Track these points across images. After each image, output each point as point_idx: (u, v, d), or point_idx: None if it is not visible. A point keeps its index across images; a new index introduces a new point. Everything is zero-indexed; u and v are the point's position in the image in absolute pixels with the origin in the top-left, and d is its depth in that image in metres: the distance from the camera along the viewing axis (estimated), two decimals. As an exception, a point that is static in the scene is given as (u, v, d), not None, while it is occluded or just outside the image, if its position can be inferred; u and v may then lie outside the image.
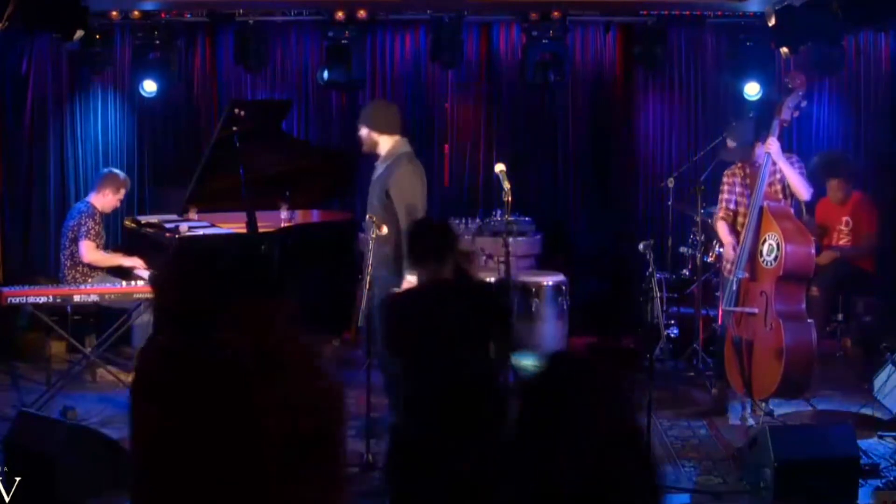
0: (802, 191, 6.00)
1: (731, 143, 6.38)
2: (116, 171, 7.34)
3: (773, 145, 5.93)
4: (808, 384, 6.00)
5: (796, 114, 6.11)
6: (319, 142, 8.38)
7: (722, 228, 6.26)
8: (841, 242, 7.29)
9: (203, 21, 8.24)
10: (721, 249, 6.41)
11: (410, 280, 5.46)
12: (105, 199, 7.10)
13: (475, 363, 3.91)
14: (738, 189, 6.22)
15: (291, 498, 2.53)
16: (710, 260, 6.98)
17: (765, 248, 5.89)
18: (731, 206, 6.24)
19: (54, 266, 7.29)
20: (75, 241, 6.92)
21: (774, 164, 5.98)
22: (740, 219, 6.18)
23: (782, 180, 6.03)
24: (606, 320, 7.99)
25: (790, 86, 6.08)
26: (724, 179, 6.33)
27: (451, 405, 3.80)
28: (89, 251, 6.90)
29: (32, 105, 8.22)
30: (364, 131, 5.71)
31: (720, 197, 6.33)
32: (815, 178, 6.65)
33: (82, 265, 6.93)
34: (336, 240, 7.34)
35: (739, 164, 6.25)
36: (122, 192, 7.17)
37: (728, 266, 6.15)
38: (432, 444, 3.77)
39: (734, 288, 5.98)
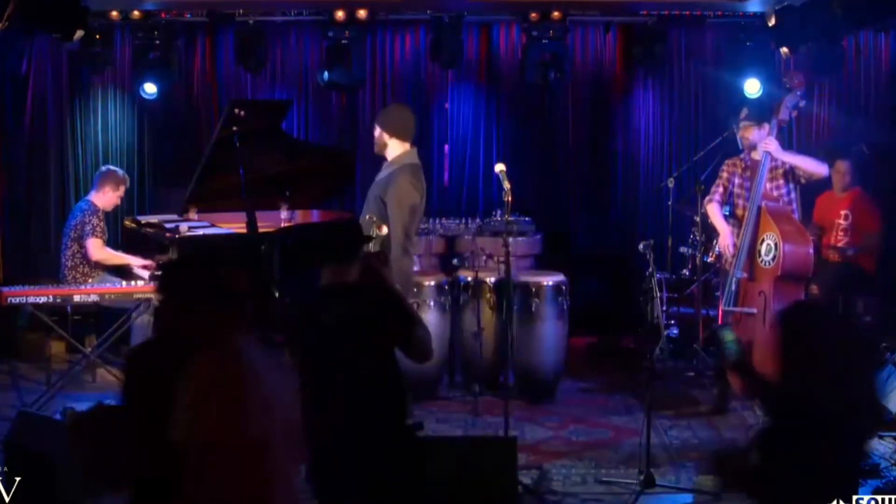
0: (817, 169, 6.05)
1: (742, 115, 6.26)
2: (115, 168, 7.34)
3: (771, 144, 5.94)
4: None
5: (794, 114, 6.13)
6: (319, 142, 8.38)
7: (713, 211, 6.25)
8: (840, 242, 7.26)
9: (203, 21, 8.25)
10: (719, 248, 6.40)
11: None
12: (105, 198, 7.10)
13: (370, 367, 3.81)
14: (736, 181, 6.24)
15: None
16: (710, 260, 6.98)
17: (763, 249, 5.90)
18: (729, 198, 6.25)
19: (54, 266, 7.29)
20: (78, 240, 6.92)
21: (774, 160, 5.99)
22: (739, 211, 6.19)
23: (788, 172, 6.03)
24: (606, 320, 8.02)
25: (788, 86, 6.09)
26: (724, 168, 6.34)
27: (347, 408, 3.77)
28: (97, 249, 6.90)
29: (32, 105, 8.23)
30: (377, 131, 5.70)
31: (717, 181, 6.33)
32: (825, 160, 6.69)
33: (84, 265, 6.92)
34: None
35: (740, 157, 6.25)
36: (122, 189, 7.17)
37: (728, 258, 6.13)
38: (339, 445, 3.75)
39: (733, 288, 5.98)
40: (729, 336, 3.91)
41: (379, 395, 3.82)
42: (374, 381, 3.81)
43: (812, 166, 6.03)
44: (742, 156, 6.27)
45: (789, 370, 3.28)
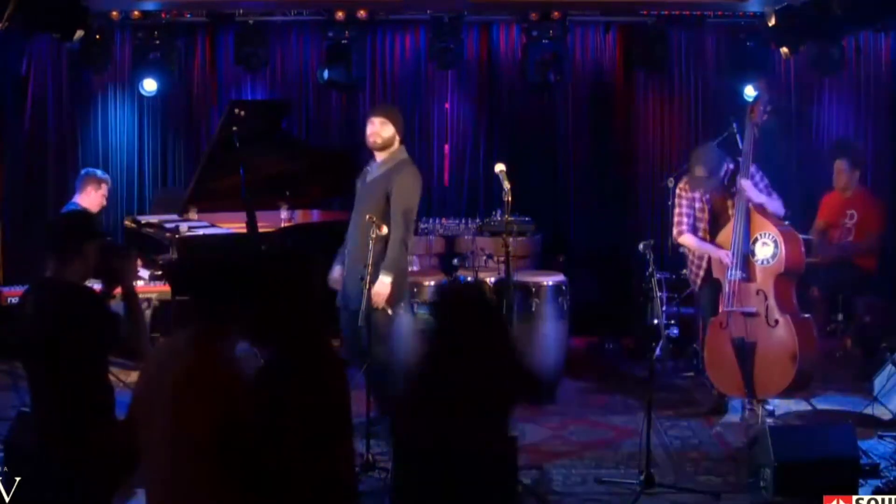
0: (779, 211, 6.02)
1: (699, 172, 6.05)
2: (93, 170, 7.30)
3: (746, 188, 5.87)
4: (812, 378, 6.07)
5: (765, 117, 6.08)
6: (319, 142, 8.38)
7: (691, 240, 6.14)
8: (843, 241, 7.26)
9: (203, 21, 8.25)
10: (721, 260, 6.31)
11: (384, 281, 5.44)
12: (90, 198, 7.07)
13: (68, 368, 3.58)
14: (697, 205, 6.14)
15: None
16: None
17: (757, 248, 5.91)
18: (689, 223, 6.14)
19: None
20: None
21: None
22: (700, 234, 6.13)
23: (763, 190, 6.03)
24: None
25: (755, 89, 6.09)
26: (681, 193, 6.18)
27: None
28: None
29: (32, 105, 8.23)
30: (388, 128, 5.61)
31: (676, 211, 6.20)
32: (827, 161, 6.67)
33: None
34: (336, 240, 7.34)
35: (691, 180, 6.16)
36: (104, 187, 7.13)
37: (728, 262, 6.07)
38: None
39: (727, 290, 5.98)
40: (425, 316, 4.03)
41: (78, 398, 3.58)
42: (73, 384, 3.59)
43: (775, 208, 6.00)
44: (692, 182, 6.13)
45: (438, 354, 3.37)
